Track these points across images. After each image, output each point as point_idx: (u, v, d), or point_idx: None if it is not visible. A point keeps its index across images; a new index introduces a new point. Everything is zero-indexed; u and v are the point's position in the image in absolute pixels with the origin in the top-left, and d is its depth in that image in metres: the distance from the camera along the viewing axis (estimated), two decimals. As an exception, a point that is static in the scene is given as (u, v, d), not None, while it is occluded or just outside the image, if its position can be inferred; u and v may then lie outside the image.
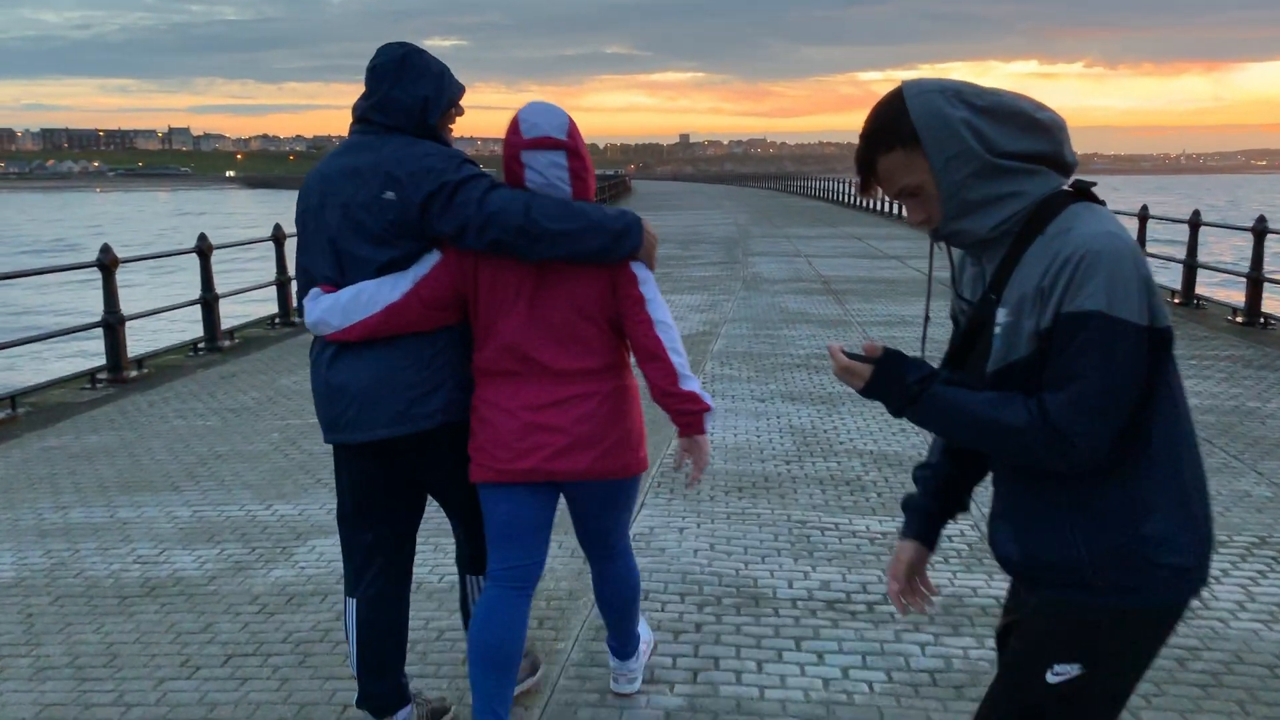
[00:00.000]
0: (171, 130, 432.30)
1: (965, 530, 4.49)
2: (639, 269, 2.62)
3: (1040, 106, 1.69)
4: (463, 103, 2.70)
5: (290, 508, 5.02)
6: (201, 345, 9.78)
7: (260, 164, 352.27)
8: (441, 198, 2.48)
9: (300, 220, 2.68)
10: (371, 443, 2.61)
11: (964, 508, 1.98)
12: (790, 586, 3.99)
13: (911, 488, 2.00)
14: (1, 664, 3.45)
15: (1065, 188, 1.70)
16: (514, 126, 2.55)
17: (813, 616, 3.72)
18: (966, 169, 1.65)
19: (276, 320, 11.37)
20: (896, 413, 1.74)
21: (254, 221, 62.15)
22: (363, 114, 2.62)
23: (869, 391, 1.73)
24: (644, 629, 3.25)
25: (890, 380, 1.71)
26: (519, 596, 2.69)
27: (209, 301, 9.87)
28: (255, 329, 11.04)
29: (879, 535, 4.54)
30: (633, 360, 2.68)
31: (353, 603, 2.77)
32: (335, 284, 2.59)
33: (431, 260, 2.57)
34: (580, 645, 3.48)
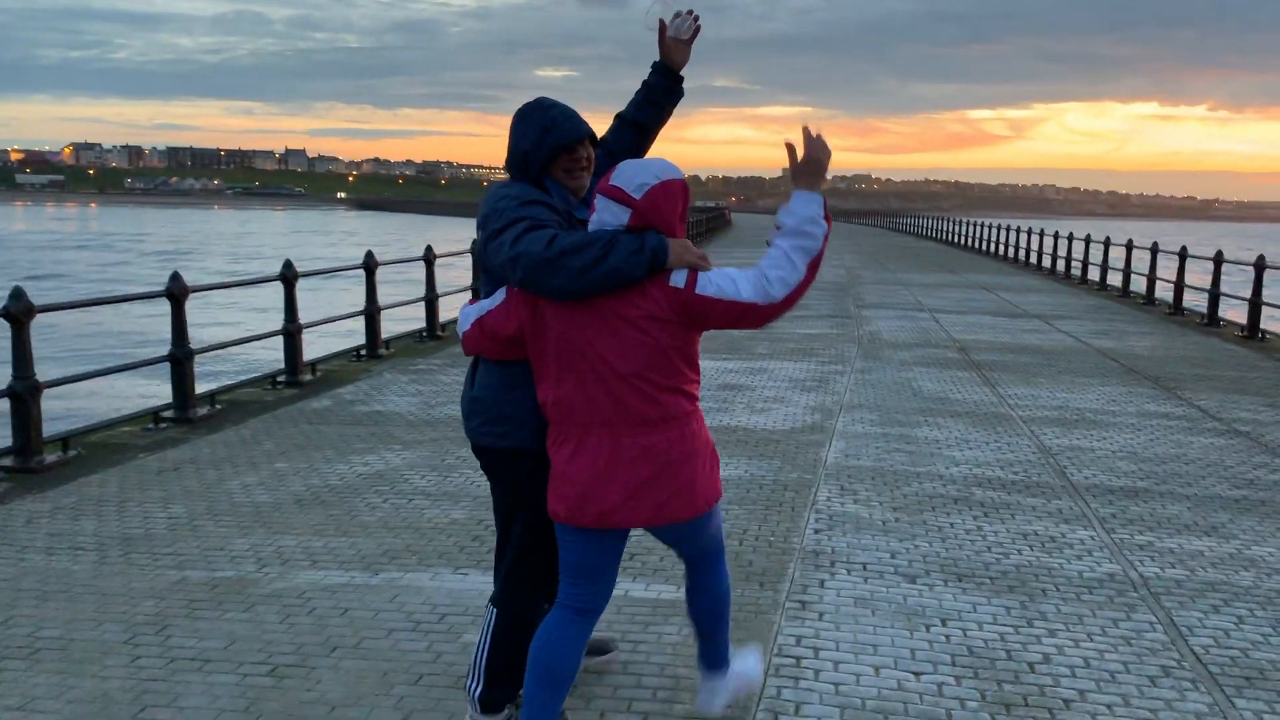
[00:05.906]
0: (289, 151, 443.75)
1: None
2: (686, 275, 2.58)
3: None
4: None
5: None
6: (168, 414, 7.68)
7: (371, 186, 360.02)
8: (494, 237, 2.62)
9: None
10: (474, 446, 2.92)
11: None
12: None
13: None
14: None
15: None
16: (613, 167, 2.69)
17: None
18: None
19: (363, 353, 10.54)
20: None
21: (362, 242, 61.72)
22: None
23: None
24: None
25: None
26: (584, 621, 2.80)
27: (179, 358, 7.76)
28: (252, 388, 8.91)
29: None
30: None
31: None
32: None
33: (498, 296, 2.73)
34: None
